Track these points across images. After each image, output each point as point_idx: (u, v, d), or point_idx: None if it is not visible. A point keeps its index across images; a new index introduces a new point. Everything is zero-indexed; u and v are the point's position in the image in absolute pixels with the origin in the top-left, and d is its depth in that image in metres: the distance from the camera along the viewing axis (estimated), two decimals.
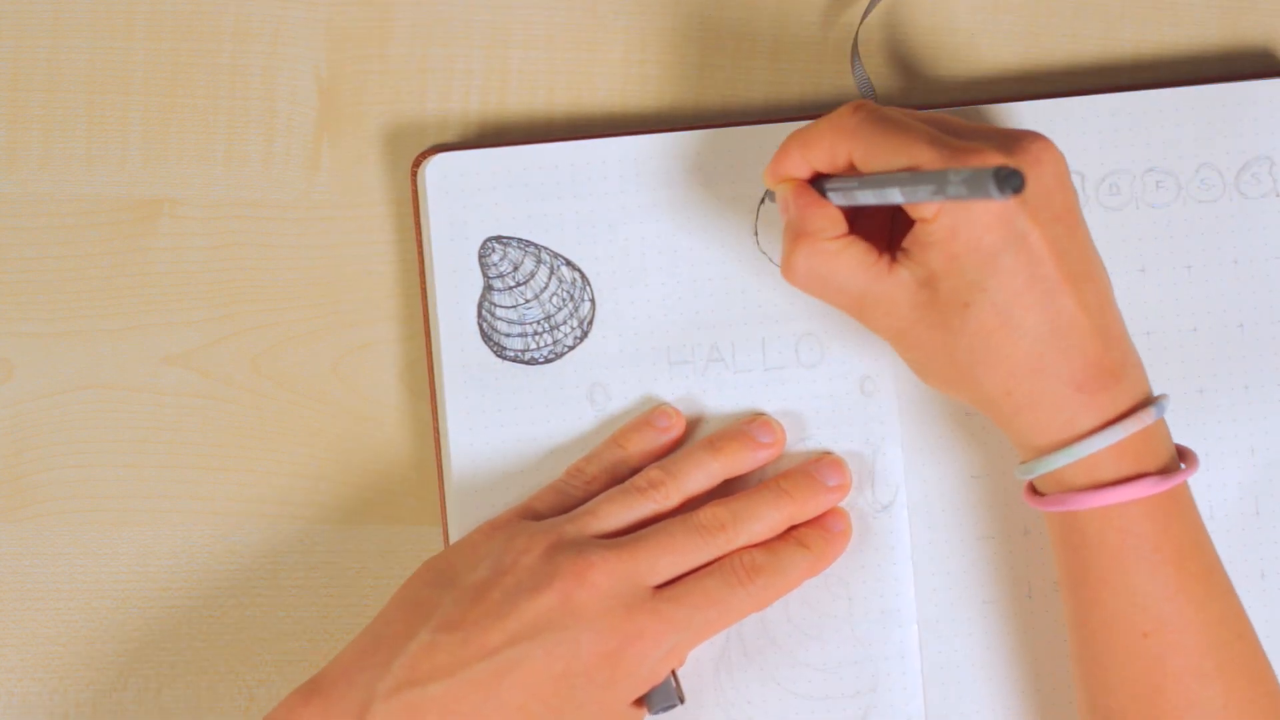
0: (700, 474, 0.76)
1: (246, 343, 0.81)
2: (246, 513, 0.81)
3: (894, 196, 0.68)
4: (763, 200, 0.78)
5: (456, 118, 0.81)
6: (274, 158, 0.81)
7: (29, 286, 0.81)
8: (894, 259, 0.71)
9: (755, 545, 0.75)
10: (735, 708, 0.78)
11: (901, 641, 0.78)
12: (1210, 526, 0.78)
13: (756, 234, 0.79)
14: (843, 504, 0.78)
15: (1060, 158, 0.70)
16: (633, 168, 0.78)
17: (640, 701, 0.74)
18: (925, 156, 0.68)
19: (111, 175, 0.81)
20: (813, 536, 0.76)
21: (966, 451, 0.78)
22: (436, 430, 0.79)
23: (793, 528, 0.76)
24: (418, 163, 0.79)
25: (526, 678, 0.71)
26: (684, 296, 0.79)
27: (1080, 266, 0.69)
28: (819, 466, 0.77)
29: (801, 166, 0.72)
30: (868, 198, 0.69)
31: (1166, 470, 0.70)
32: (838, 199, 0.71)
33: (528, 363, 0.79)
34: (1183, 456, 0.72)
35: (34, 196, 0.81)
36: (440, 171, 0.78)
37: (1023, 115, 0.78)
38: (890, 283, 0.70)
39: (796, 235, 0.71)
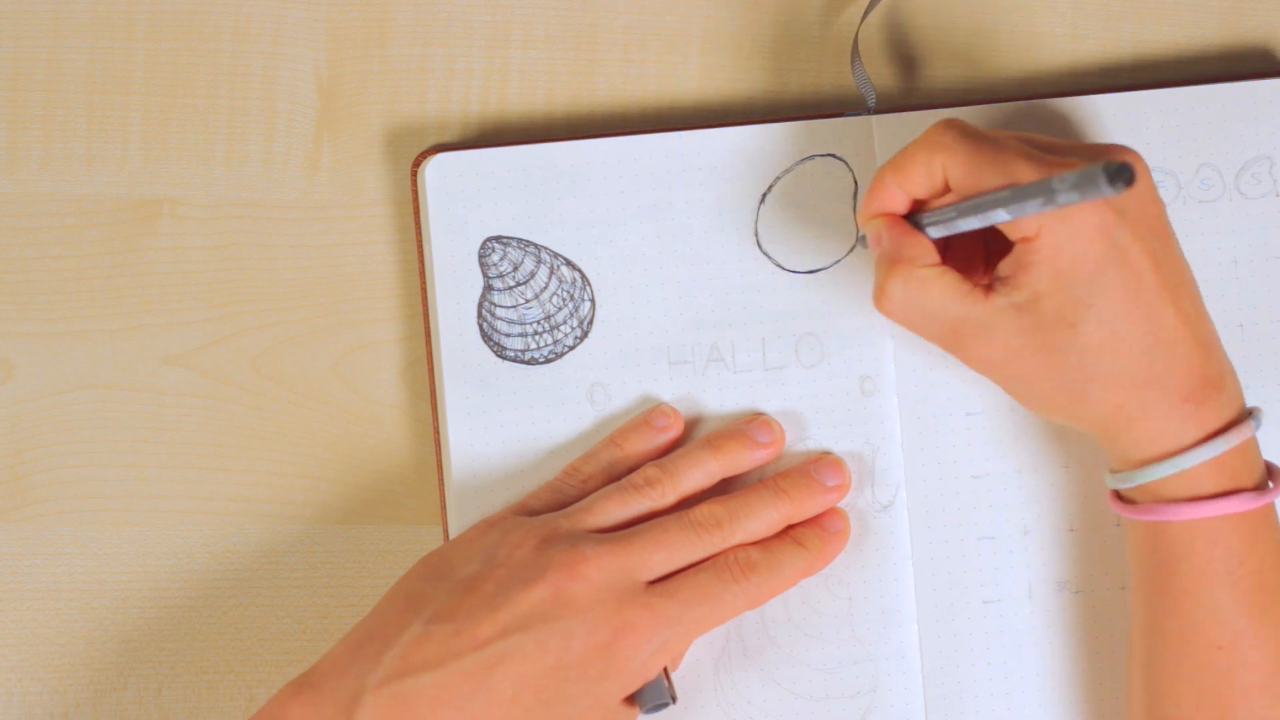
0: (697, 472, 0.76)
1: (246, 343, 0.81)
2: (246, 513, 0.81)
3: (997, 216, 0.67)
4: (763, 200, 0.78)
5: (456, 118, 0.81)
6: (274, 158, 0.81)
7: (29, 286, 0.81)
8: (990, 289, 0.70)
9: (751, 544, 0.75)
10: (735, 708, 0.78)
11: (901, 641, 0.78)
12: None
13: (756, 234, 0.79)
14: (843, 504, 0.78)
15: (1148, 170, 0.70)
16: (632, 168, 0.78)
17: (632, 700, 0.74)
18: (1023, 170, 0.68)
19: (111, 175, 0.81)
20: (810, 535, 0.76)
21: (967, 451, 0.78)
22: (436, 430, 0.79)
23: (790, 527, 0.76)
24: (418, 163, 0.79)
25: (518, 669, 0.71)
26: (684, 296, 0.79)
27: (1176, 277, 0.70)
28: (818, 466, 0.77)
29: (897, 195, 0.72)
30: (969, 223, 0.69)
31: (1259, 486, 0.70)
32: (935, 231, 0.71)
33: (528, 363, 0.79)
34: (1270, 474, 0.72)
35: (34, 196, 0.81)
36: (440, 171, 0.78)
37: (1023, 115, 0.78)
38: (988, 309, 0.70)
39: (892, 263, 0.71)
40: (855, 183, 0.78)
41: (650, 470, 0.76)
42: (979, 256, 0.75)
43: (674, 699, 0.74)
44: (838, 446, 0.78)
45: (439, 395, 0.79)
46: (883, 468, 0.79)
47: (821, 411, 0.79)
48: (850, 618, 0.78)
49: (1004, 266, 0.70)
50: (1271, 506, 0.71)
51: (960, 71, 0.81)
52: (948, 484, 0.78)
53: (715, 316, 0.79)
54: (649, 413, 0.78)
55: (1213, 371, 0.70)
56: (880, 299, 0.72)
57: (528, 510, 0.77)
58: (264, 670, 0.81)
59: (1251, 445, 0.71)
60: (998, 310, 0.70)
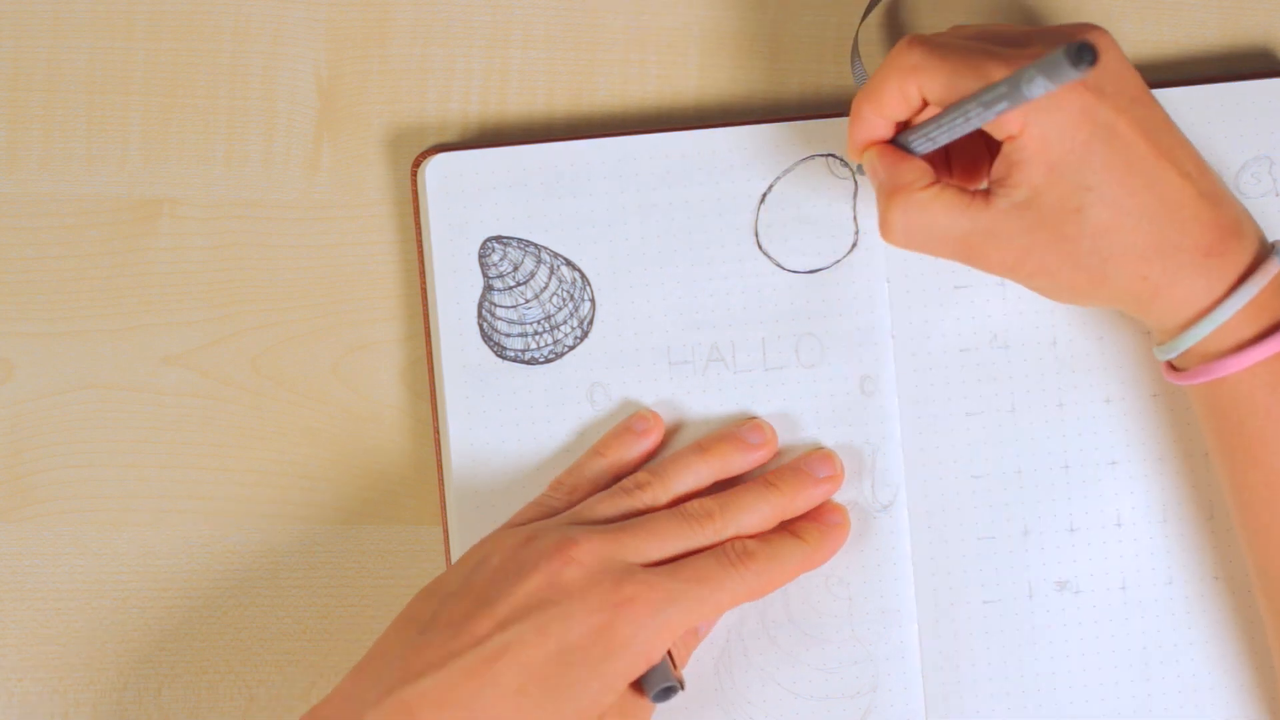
0: (688, 474, 0.76)
1: (246, 343, 0.81)
2: (246, 513, 0.81)
3: (976, 120, 0.67)
4: (763, 200, 0.78)
5: (456, 118, 0.81)
6: (274, 158, 0.81)
7: (29, 286, 0.81)
8: (986, 197, 0.70)
9: (748, 537, 0.75)
10: (735, 708, 0.78)
11: (901, 641, 0.78)
12: (1209, 526, 0.78)
13: (757, 234, 0.79)
14: (843, 503, 0.78)
15: (1114, 41, 0.70)
16: (633, 167, 0.78)
17: (640, 689, 0.73)
18: (994, 70, 0.68)
19: (111, 175, 0.81)
20: (808, 528, 0.76)
21: (967, 451, 0.78)
22: (436, 430, 0.79)
23: (790, 522, 0.76)
24: (418, 163, 0.79)
25: (520, 658, 0.70)
26: (684, 296, 0.79)
27: (1168, 139, 0.70)
28: (808, 459, 0.77)
29: (877, 123, 0.72)
30: (952, 131, 0.69)
31: None
32: (922, 147, 0.71)
33: (528, 363, 0.79)
34: None
35: (34, 196, 0.81)
36: (440, 171, 0.78)
37: None
38: (991, 215, 0.70)
39: (890, 192, 0.71)
40: (855, 183, 0.78)
41: (641, 475, 0.76)
42: (984, 158, 0.74)
43: (682, 685, 0.73)
44: (838, 446, 0.78)
45: (439, 395, 0.79)
46: (883, 468, 0.79)
47: (821, 411, 0.79)
48: (850, 618, 0.78)
49: (997, 169, 0.70)
50: None
51: None
52: (948, 484, 0.78)
53: (715, 316, 0.79)
54: (629, 419, 0.78)
55: (1226, 220, 0.70)
56: (885, 229, 0.71)
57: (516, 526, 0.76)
58: (264, 670, 0.81)
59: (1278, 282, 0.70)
60: (1001, 213, 0.70)
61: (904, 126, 0.72)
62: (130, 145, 0.81)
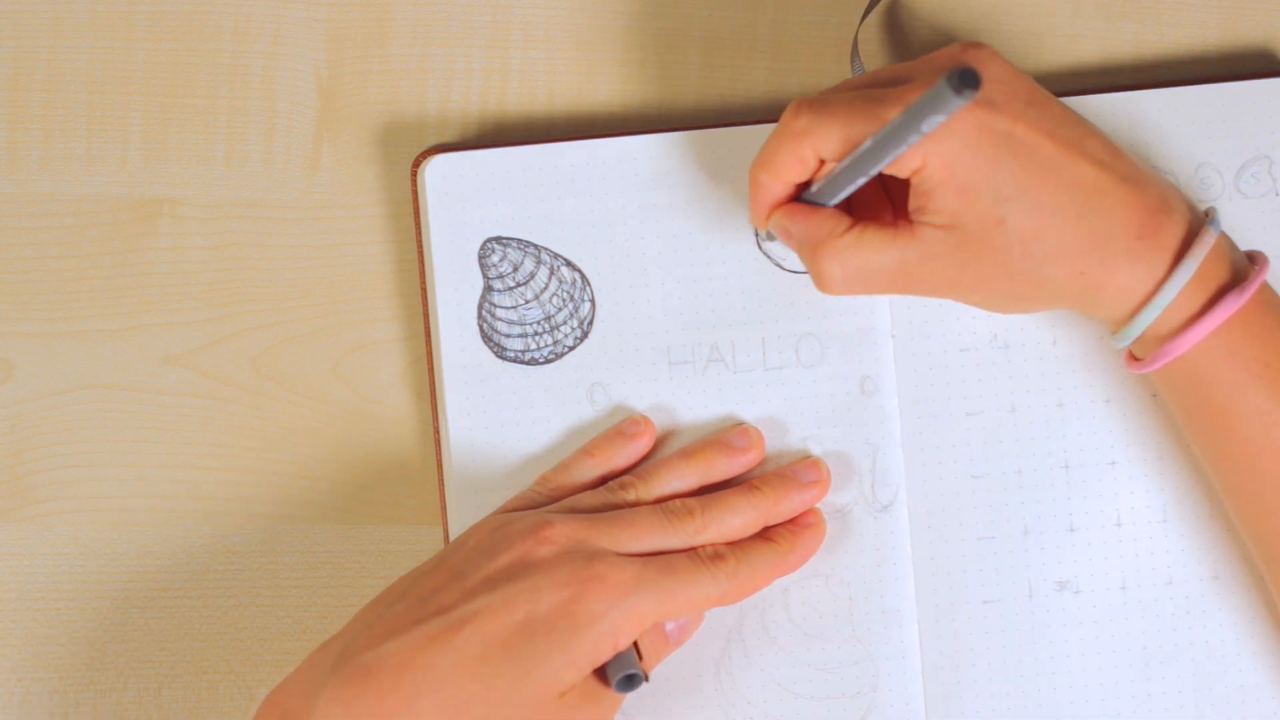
0: (673, 477, 0.76)
1: (246, 343, 0.81)
2: (246, 513, 0.81)
3: (878, 164, 0.68)
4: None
5: (456, 118, 0.81)
6: (274, 158, 0.81)
7: (29, 286, 0.81)
8: (910, 225, 0.70)
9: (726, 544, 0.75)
10: (735, 708, 0.78)
11: (901, 641, 0.78)
12: (1209, 526, 0.78)
13: (756, 234, 0.79)
14: (844, 503, 0.78)
15: (996, 52, 0.70)
16: (633, 168, 0.78)
17: (604, 678, 0.72)
18: (882, 114, 0.68)
19: (111, 175, 0.81)
20: (780, 531, 0.76)
21: (966, 451, 0.78)
22: (436, 430, 0.79)
23: (768, 529, 0.76)
24: (418, 163, 0.79)
25: (485, 627, 0.69)
26: (684, 296, 0.79)
27: (1071, 131, 0.70)
28: (793, 466, 0.77)
29: (777, 188, 0.72)
30: (855, 180, 0.69)
31: (1240, 279, 0.70)
32: (829, 200, 0.72)
33: (528, 363, 0.79)
34: (1251, 259, 0.72)
35: (34, 196, 0.81)
36: (440, 172, 0.78)
37: None
38: (918, 242, 0.70)
39: (814, 247, 0.71)
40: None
41: (625, 477, 0.76)
42: (883, 200, 0.74)
43: (646, 678, 0.72)
44: (838, 446, 0.78)
45: (439, 395, 0.79)
46: (883, 468, 0.79)
47: (821, 411, 0.79)
48: (850, 618, 0.78)
49: (912, 202, 0.70)
50: (1269, 291, 0.71)
51: None
52: (948, 484, 0.78)
53: (715, 316, 0.79)
54: (621, 422, 0.78)
55: (1151, 200, 0.70)
56: (822, 282, 0.72)
57: None
58: (264, 670, 0.81)
59: (1222, 245, 0.70)
60: (928, 239, 0.70)
61: (803, 187, 0.73)
62: (130, 145, 0.81)
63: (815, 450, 0.79)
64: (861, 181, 0.69)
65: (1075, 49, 0.81)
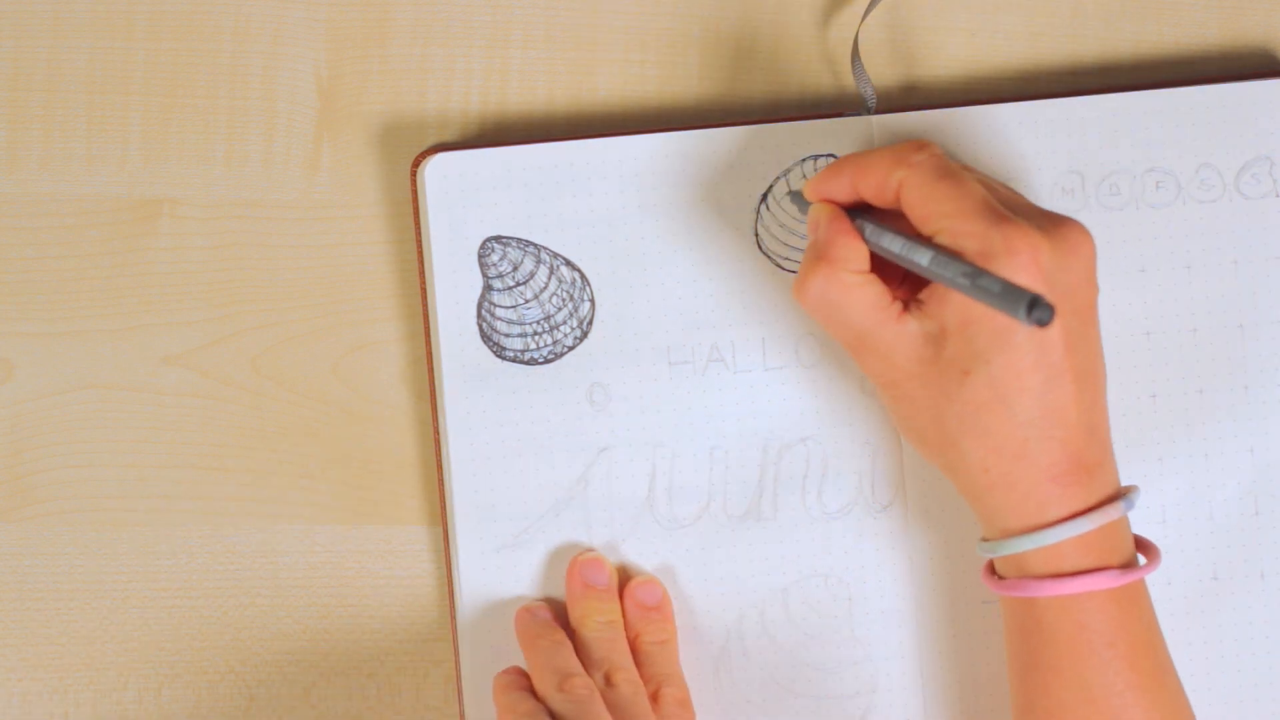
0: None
1: (246, 343, 0.81)
2: (246, 513, 0.81)
3: (921, 262, 0.67)
4: (763, 200, 0.78)
5: (456, 117, 0.81)
6: (274, 158, 0.81)
7: (29, 286, 0.81)
8: (905, 308, 0.70)
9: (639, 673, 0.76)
10: (735, 708, 0.78)
11: (901, 641, 0.78)
12: (1209, 527, 0.78)
13: (756, 234, 0.79)
14: (844, 503, 0.78)
15: (1094, 253, 0.69)
16: (633, 167, 0.78)
17: None
18: (971, 213, 0.67)
19: (111, 175, 0.81)
20: (650, 630, 0.78)
21: None
22: (436, 430, 0.79)
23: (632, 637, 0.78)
24: (418, 162, 0.79)
25: None
26: (684, 296, 0.79)
27: (1086, 363, 0.69)
28: (585, 572, 0.78)
29: (847, 189, 0.72)
30: (896, 250, 0.69)
31: (1127, 565, 0.70)
32: (870, 241, 0.71)
33: (528, 363, 0.79)
34: (1144, 549, 0.71)
35: (34, 196, 0.81)
36: (440, 171, 0.78)
37: (1023, 115, 0.78)
38: (896, 330, 0.70)
39: (818, 258, 0.71)
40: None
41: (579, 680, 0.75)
42: (899, 269, 0.74)
43: None
44: (838, 446, 0.78)
45: (439, 395, 0.79)
46: (883, 468, 0.79)
47: (821, 411, 0.79)
48: (850, 618, 0.78)
49: (926, 291, 0.70)
50: (1142, 585, 0.70)
51: (960, 71, 0.81)
52: (948, 484, 0.78)
53: (715, 316, 0.79)
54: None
55: (1090, 458, 0.69)
56: (800, 288, 0.71)
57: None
58: (264, 670, 0.81)
59: (1121, 525, 0.70)
60: (907, 334, 0.69)
61: (860, 207, 0.72)
62: (130, 145, 0.81)
63: (815, 449, 0.79)
64: (902, 264, 0.69)
65: (1075, 49, 0.81)
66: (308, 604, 0.81)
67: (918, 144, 0.70)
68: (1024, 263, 0.67)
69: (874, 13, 0.80)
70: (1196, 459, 0.78)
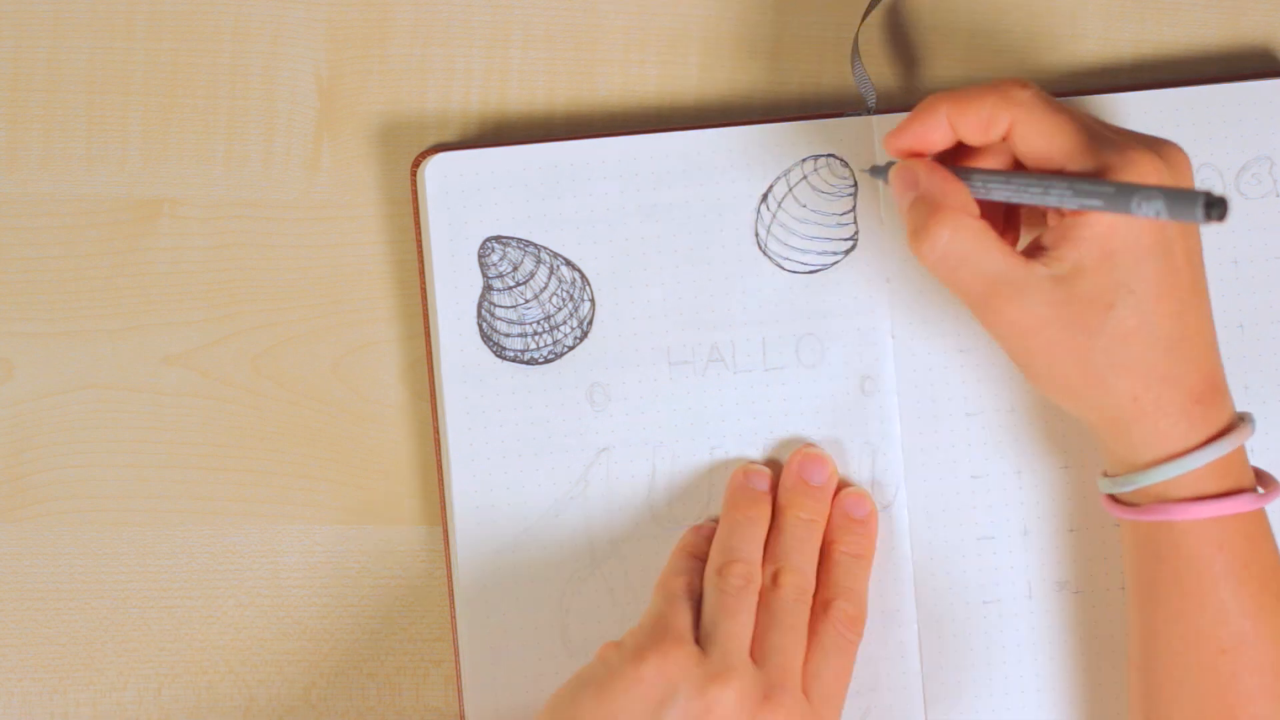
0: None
1: (246, 343, 0.81)
2: (246, 513, 0.81)
3: (1055, 200, 0.66)
4: (763, 200, 0.78)
5: (456, 117, 0.81)
6: (274, 158, 0.81)
7: (29, 286, 0.81)
8: (1025, 257, 0.69)
9: (820, 579, 0.75)
10: None
11: (901, 641, 0.78)
12: None
13: (756, 234, 0.79)
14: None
15: (1192, 171, 0.70)
16: (633, 167, 0.78)
17: None
18: (1092, 142, 0.67)
19: (111, 175, 0.81)
20: (842, 540, 0.77)
21: (966, 451, 0.78)
22: (436, 430, 0.79)
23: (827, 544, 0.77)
24: (417, 162, 0.79)
25: None
26: (684, 296, 0.79)
27: (1203, 281, 0.70)
28: (805, 466, 0.77)
29: (943, 132, 0.70)
30: (1020, 196, 0.67)
31: (1252, 488, 0.70)
32: (976, 192, 0.69)
33: (528, 363, 0.79)
34: (1260, 479, 0.72)
35: (34, 196, 0.81)
36: (440, 171, 0.78)
37: None
38: (1026, 274, 0.68)
39: (935, 208, 0.68)
40: (855, 183, 0.78)
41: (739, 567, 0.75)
42: (1000, 217, 0.73)
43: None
44: (838, 446, 0.78)
45: (439, 395, 0.79)
46: (883, 468, 0.79)
47: (822, 411, 0.79)
48: None
49: (1048, 236, 0.68)
50: (1265, 511, 0.71)
51: (960, 71, 0.81)
52: (948, 484, 0.78)
53: (715, 316, 0.79)
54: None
55: (1219, 377, 0.70)
56: (923, 243, 0.68)
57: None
58: (264, 670, 0.81)
59: (1244, 451, 0.71)
60: (1036, 277, 0.68)
61: (947, 157, 0.71)
62: (130, 145, 0.81)
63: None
64: (1026, 201, 0.67)
65: (1075, 49, 0.81)
66: (308, 604, 0.81)
67: (1020, 81, 0.69)
68: (1153, 183, 0.67)
69: (874, 13, 0.80)
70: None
